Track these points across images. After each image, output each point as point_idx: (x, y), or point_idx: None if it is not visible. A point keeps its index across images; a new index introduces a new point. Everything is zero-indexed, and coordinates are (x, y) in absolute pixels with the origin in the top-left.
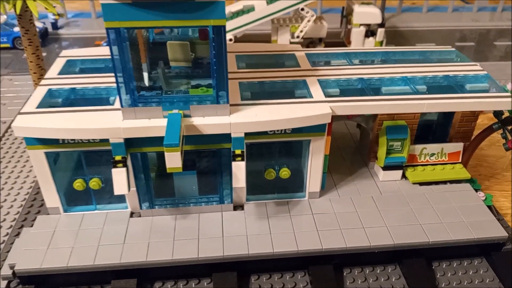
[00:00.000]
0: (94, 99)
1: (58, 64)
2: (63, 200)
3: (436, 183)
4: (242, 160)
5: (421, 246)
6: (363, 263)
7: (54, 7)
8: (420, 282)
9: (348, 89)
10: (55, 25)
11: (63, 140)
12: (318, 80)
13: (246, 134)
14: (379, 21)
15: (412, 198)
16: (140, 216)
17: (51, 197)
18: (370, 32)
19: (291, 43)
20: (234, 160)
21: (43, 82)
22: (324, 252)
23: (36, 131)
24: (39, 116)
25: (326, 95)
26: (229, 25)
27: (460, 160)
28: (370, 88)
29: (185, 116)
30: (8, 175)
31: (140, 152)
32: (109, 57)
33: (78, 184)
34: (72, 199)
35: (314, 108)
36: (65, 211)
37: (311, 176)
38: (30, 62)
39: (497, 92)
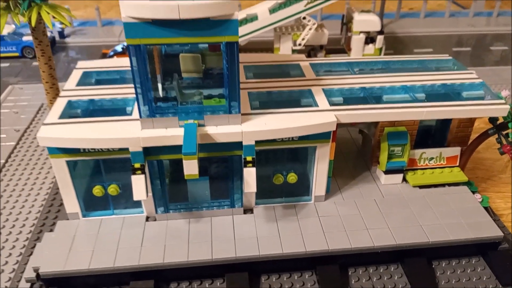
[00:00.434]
0: (112, 110)
1: (75, 75)
2: (82, 206)
3: (435, 186)
4: (253, 166)
5: (422, 246)
6: (367, 262)
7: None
8: (421, 280)
9: (351, 98)
10: (62, 34)
11: (84, 149)
12: (323, 89)
13: (256, 141)
14: (378, 28)
15: (413, 201)
16: (155, 220)
17: (71, 203)
18: (369, 39)
19: (293, 50)
20: (246, 166)
21: (62, 93)
22: (331, 252)
23: (60, 141)
24: (62, 126)
25: (331, 104)
26: None
27: (457, 164)
28: (372, 97)
29: (200, 125)
30: (24, 181)
31: (156, 160)
32: (123, 68)
33: (97, 191)
34: (90, 204)
35: (320, 116)
36: (83, 216)
37: (317, 181)
38: (43, 72)
39: (492, 100)
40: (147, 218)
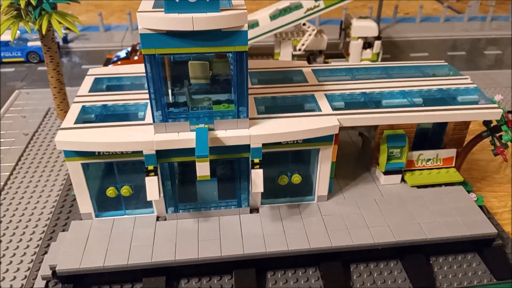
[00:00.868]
0: (124, 115)
1: (87, 82)
2: (95, 206)
3: (432, 186)
4: (260, 167)
5: (420, 243)
6: (368, 259)
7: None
8: (420, 276)
9: (352, 102)
10: (65, 39)
11: (99, 152)
12: (325, 94)
13: (262, 144)
14: (375, 34)
15: (411, 200)
16: (165, 219)
17: (85, 204)
18: (367, 44)
19: (293, 55)
20: (253, 168)
21: (76, 99)
22: (334, 249)
23: (77, 145)
24: (78, 131)
25: (333, 109)
26: None
27: (453, 165)
28: (372, 101)
29: (210, 129)
30: (35, 183)
31: (167, 162)
32: (132, 75)
33: (110, 192)
34: (103, 205)
35: (323, 120)
36: (96, 216)
37: (319, 181)
38: (51, 77)
39: (486, 104)
40: (158, 218)
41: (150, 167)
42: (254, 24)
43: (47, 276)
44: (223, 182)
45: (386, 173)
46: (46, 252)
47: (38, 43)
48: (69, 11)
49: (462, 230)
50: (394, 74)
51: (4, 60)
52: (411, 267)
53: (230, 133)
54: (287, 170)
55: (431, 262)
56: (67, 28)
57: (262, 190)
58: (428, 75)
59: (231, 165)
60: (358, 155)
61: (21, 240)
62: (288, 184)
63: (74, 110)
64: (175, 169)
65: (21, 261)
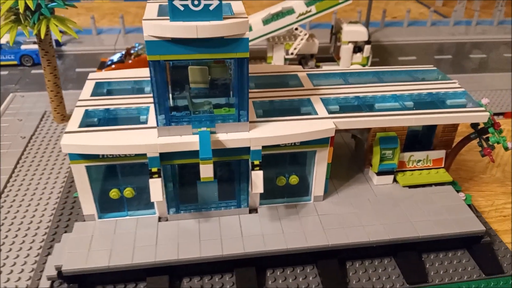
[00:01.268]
0: (127, 118)
1: (89, 86)
2: (98, 208)
3: (423, 186)
4: (260, 169)
5: (413, 241)
6: (363, 256)
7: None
8: (413, 272)
9: (346, 106)
10: (58, 42)
11: (103, 155)
12: (321, 98)
13: (262, 146)
14: (365, 38)
15: (403, 199)
16: (167, 220)
17: (88, 205)
18: (357, 48)
19: (285, 59)
20: (253, 169)
21: (78, 103)
22: (330, 247)
23: (82, 148)
24: (83, 134)
25: (329, 112)
26: None
27: (443, 165)
28: (365, 105)
29: (211, 132)
30: (35, 186)
31: (169, 164)
32: (132, 79)
33: (114, 193)
34: (105, 206)
35: (320, 123)
36: (99, 217)
37: (316, 182)
38: (48, 81)
39: (473, 107)
40: (159, 219)
41: (154, 169)
42: None
43: (53, 276)
44: (223, 183)
45: (379, 173)
46: (49, 253)
47: (32, 46)
48: (61, 15)
49: (452, 228)
50: (386, 78)
51: None
52: (404, 264)
53: (231, 136)
54: (285, 171)
55: (423, 259)
56: (61, 31)
57: (262, 191)
58: (418, 79)
59: (230, 166)
60: (351, 157)
61: (23, 241)
62: (285, 185)
63: (77, 114)
64: (176, 171)
65: (25, 262)
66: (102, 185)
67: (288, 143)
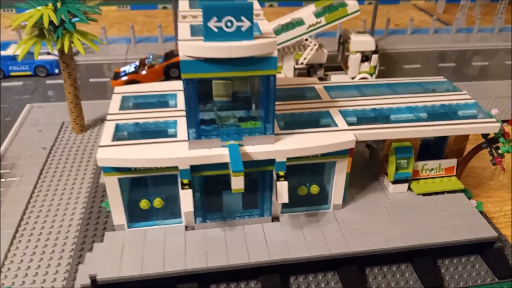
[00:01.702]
0: (157, 132)
1: (116, 100)
2: (127, 218)
3: (436, 193)
4: (285, 180)
5: (428, 246)
6: (382, 262)
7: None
8: (430, 277)
9: (364, 118)
10: None
11: (135, 167)
12: (339, 110)
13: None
14: (373, 48)
15: (418, 207)
16: (193, 229)
17: (119, 216)
18: (365, 57)
19: (295, 68)
20: (278, 180)
21: (108, 117)
22: (351, 254)
23: (117, 161)
24: (117, 148)
25: (348, 124)
26: None
27: (454, 174)
28: (382, 116)
29: (239, 145)
30: (60, 196)
31: (198, 176)
32: (156, 93)
33: (144, 204)
34: (134, 216)
35: (341, 135)
36: (128, 227)
37: (335, 191)
38: (68, 93)
39: (484, 118)
40: (186, 227)
41: (185, 181)
42: None
43: (86, 285)
44: (247, 193)
45: (395, 182)
46: (79, 262)
47: (46, 57)
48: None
49: (466, 234)
50: (399, 90)
51: (12, 74)
52: (421, 269)
53: (257, 149)
54: (306, 181)
55: (438, 264)
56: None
57: (287, 201)
58: (429, 90)
59: (254, 177)
60: (364, 165)
61: (53, 251)
62: (306, 194)
63: (109, 128)
64: (203, 182)
65: (57, 271)
66: (132, 195)
67: (310, 155)
